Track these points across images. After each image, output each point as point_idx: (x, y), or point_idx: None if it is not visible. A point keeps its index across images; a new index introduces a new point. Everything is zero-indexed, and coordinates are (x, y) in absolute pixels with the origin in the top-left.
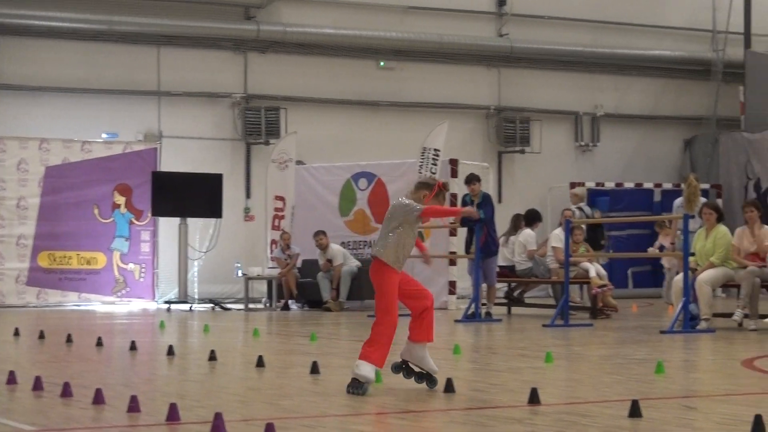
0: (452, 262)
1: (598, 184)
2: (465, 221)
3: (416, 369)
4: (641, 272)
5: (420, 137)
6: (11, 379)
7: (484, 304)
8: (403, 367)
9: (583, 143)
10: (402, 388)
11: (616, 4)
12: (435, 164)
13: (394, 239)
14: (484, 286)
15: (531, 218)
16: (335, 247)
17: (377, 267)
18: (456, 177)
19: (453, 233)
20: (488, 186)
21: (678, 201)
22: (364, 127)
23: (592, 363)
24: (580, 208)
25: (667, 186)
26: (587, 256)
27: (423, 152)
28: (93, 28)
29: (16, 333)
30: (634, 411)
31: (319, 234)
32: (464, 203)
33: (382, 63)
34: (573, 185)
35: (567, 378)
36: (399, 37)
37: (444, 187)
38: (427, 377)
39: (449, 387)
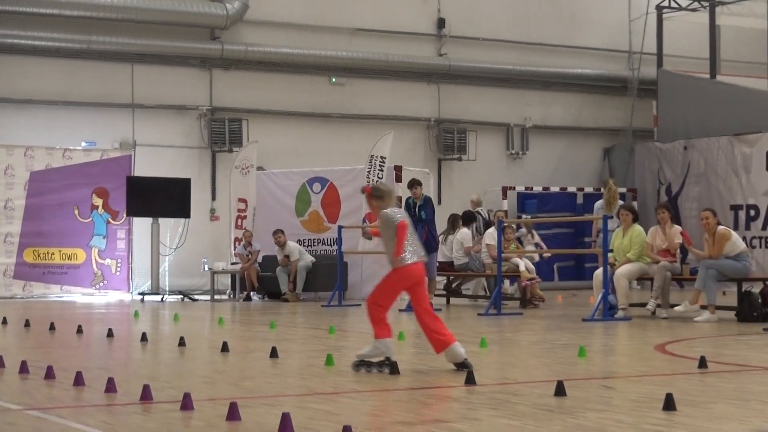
0: None
1: (527, 188)
2: None
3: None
4: (566, 267)
5: (368, 146)
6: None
7: None
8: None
9: (513, 151)
10: (352, 371)
11: (542, 27)
12: (381, 170)
13: None
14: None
15: (467, 218)
16: (292, 245)
17: None
18: (400, 182)
19: None
20: (429, 189)
21: (598, 203)
22: (318, 136)
23: (522, 348)
24: (478, 212)
25: (589, 190)
26: (517, 252)
27: (371, 159)
28: (73, 47)
29: (4, 322)
30: (559, 390)
31: (278, 232)
32: (408, 205)
33: (333, 79)
34: (505, 189)
35: (499, 361)
36: (348, 56)
37: (370, 191)
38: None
39: (394, 369)
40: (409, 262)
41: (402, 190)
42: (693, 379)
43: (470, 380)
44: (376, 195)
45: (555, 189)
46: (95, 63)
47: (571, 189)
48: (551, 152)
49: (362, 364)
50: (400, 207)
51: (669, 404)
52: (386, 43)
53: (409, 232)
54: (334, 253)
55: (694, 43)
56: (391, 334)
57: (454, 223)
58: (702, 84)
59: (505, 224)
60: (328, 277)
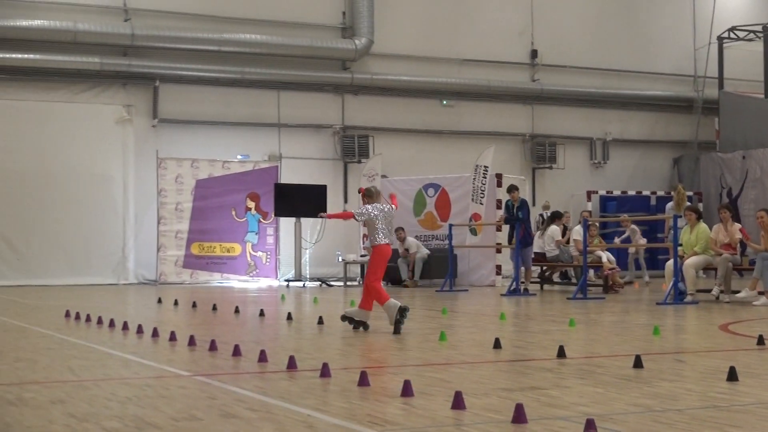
0: (498, 251)
1: (608, 192)
2: (508, 220)
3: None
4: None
5: (473, 157)
6: (172, 336)
7: (522, 283)
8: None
9: (596, 161)
10: (462, 345)
11: (620, 55)
12: (485, 177)
13: None
14: (522, 268)
15: (555, 217)
16: (411, 239)
17: None
18: (500, 187)
19: (499, 229)
20: (525, 193)
21: (669, 204)
22: (431, 149)
23: (605, 327)
24: (541, 215)
25: (661, 193)
26: (600, 246)
27: (476, 168)
28: (229, 77)
29: (176, 303)
30: (637, 363)
31: (399, 229)
32: (507, 207)
33: (444, 102)
34: (589, 193)
35: (585, 338)
36: (457, 82)
37: (364, 191)
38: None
39: (497, 344)
40: (385, 241)
41: (502, 194)
42: (752, 354)
43: (561, 354)
44: (366, 195)
45: (632, 192)
46: (248, 90)
47: (646, 192)
48: (628, 161)
49: (346, 319)
50: (384, 204)
51: (732, 376)
52: (488, 71)
53: (385, 224)
54: (446, 246)
55: (751, 67)
56: (388, 297)
57: (546, 221)
58: (758, 103)
59: (590, 222)
60: (440, 266)
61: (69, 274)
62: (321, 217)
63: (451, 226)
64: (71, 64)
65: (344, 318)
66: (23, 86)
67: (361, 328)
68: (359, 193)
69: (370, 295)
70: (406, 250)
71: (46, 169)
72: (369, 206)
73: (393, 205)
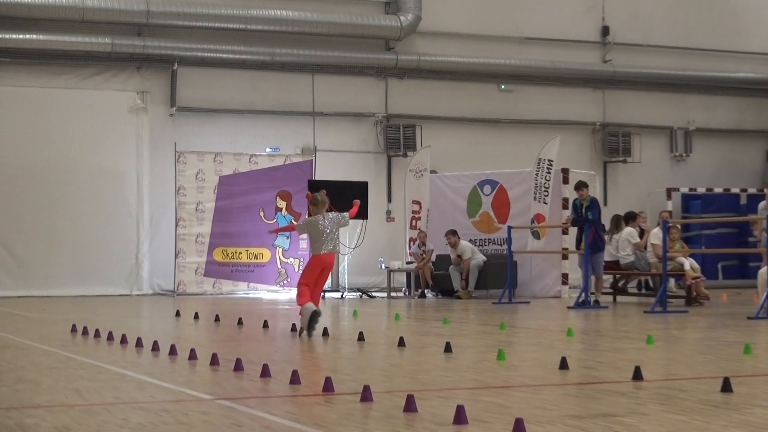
0: (565, 257)
1: (691, 190)
2: (575, 221)
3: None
4: (730, 265)
5: (535, 150)
6: (192, 355)
7: (592, 293)
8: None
9: (677, 154)
10: (523, 365)
11: (704, 32)
12: (549, 173)
13: None
14: (592, 277)
15: (629, 218)
16: (464, 244)
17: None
18: (567, 183)
19: (565, 232)
20: (595, 191)
21: (762, 204)
22: (487, 141)
23: (688, 344)
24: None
25: (752, 190)
26: (682, 252)
27: (538, 163)
28: (258, 59)
29: (196, 317)
30: (726, 386)
31: (450, 233)
32: (574, 206)
33: (502, 86)
34: (669, 190)
35: (665, 357)
36: (516, 63)
37: (310, 198)
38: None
39: (564, 365)
40: (322, 252)
41: (569, 192)
42: None
43: (638, 376)
44: (312, 203)
45: (718, 190)
46: (278, 74)
47: (735, 190)
48: (714, 154)
49: (306, 330)
50: (330, 212)
51: None
52: (552, 51)
53: (327, 232)
54: (505, 252)
55: None
56: (309, 300)
57: (617, 223)
58: None
59: (670, 224)
60: (498, 275)
61: (75, 283)
62: (271, 233)
63: (510, 228)
64: (78, 45)
65: (304, 330)
66: (24, 70)
67: (315, 326)
68: (308, 199)
69: (302, 290)
70: (459, 256)
71: (50, 164)
72: (310, 219)
73: (343, 214)
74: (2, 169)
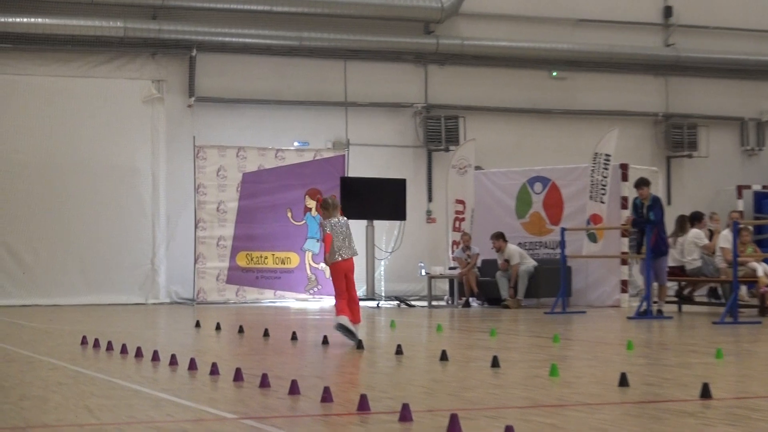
0: (624, 262)
1: (764, 187)
2: (636, 223)
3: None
4: None
5: (591, 143)
6: (214, 370)
7: (655, 302)
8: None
9: (749, 147)
10: (578, 381)
11: None
12: (606, 169)
13: None
14: (655, 284)
15: (695, 219)
16: (512, 248)
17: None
18: (626, 181)
19: (624, 234)
20: (657, 189)
21: None
22: (538, 133)
23: (761, 359)
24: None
25: None
26: (755, 256)
27: (595, 158)
28: (285, 44)
29: (218, 327)
30: None
31: (496, 236)
32: (635, 206)
33: (554, 73)
34: (740, 188)
35: (737, 373)
36: (570, 48)
37: (321, 201)
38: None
39: (623, 381)
40: (339, 259)
41: (628, 190)
42: None
43: (706, 394)
44: (323, 206)
45: None
46: (307, 60)
47: None
48: None
49: (341, 328)
50: (341, 217)
51: None
52: (610, 34)
53: (341, 238)
54: (557, 256)
55: None
56: (346, 313)
57: (682, 224)
58: None
59: (742, 226)
60: (550, 282)
61: (85, 291)
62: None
63: (563, 230)
64: (88, 30)
65: (340, 328)
66: (28, 57)
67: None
68: (319, 202)
69: (357, 304)
70: (507, 261)
71: (57, 160)
72: (333, 222)
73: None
74: (5, 165)
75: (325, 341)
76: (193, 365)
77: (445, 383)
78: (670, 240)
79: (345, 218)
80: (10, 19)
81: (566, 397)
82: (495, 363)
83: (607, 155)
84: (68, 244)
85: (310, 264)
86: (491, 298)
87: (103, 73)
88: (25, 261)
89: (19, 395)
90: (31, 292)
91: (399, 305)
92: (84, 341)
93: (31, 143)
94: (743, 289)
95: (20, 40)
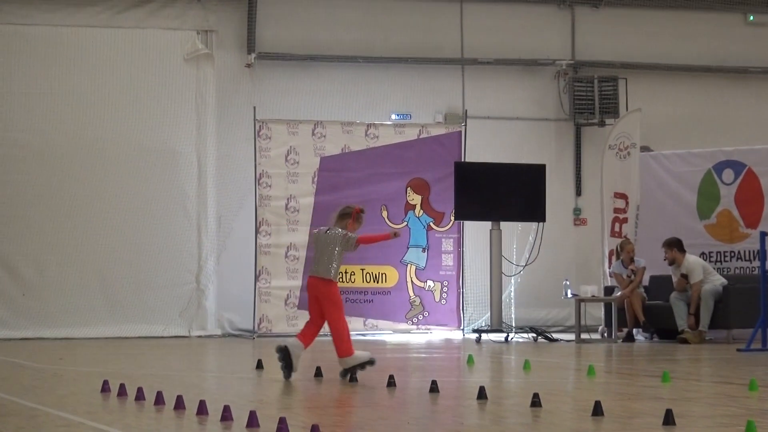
0: None
1: None
2: None
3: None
4: None
5: None
6: (282, 427)
7: None
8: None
9: None
10: None
11: None
12: None
13: (338, 264)
14: None
15: None
16: (693, 260)
17: (331, 287)
18: None
19: None
20: None
21: None
22: (728, 101)
23: None
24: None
25: None
26: None
27: None
28: None
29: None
30: None
31: (670, 244)
32: None
33: (751, 17)
34: None
35: None
36: None
37: (361, 211)
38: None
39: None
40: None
41: None
42: None
43: None
44: (356, 219)
45: None
46: (408, 3)
47: None
48: None
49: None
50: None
51: None
52: None
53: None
54: (755, 271)
55: None
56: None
57: None
58: None
59: None
60: (746, 306)
61: (108, 319)
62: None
63: (764, 235)
64: None
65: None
66: (35, 3)
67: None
68: (356, 213)
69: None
70: (684, 277)
71: (70, 140)
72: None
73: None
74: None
75: (434, 388)
76: (253, 421)
77: None
78: None
79: (342, 230)
80: None
81: None
82: (668, 419)
83: None
84: (84, 257)
85: (413, 282)
86: (663, 329)
87: (133, 22)
88: (25, 279)
89: None
90: (34, 321)
91: (536, 339)
92: (105, 388)
93: (36, 117)
94: None
95: None
